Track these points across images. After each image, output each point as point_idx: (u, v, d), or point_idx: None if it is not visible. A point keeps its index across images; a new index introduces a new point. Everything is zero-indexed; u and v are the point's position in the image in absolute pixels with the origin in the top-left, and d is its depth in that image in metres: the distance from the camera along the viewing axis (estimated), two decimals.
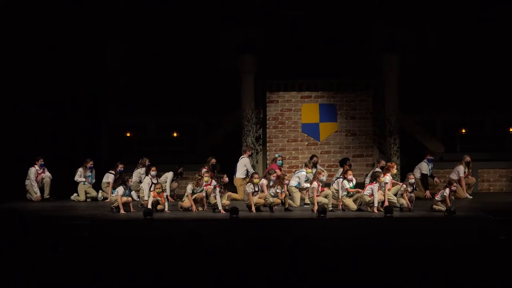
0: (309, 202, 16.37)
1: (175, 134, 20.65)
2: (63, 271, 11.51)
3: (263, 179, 15.94)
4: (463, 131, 20.48)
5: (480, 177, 19.59)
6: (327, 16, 20.31)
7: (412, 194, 15.70)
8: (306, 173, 16.59)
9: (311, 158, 17.90)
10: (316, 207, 15.48)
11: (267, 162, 19.07)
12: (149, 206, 15.71)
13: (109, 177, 17.91)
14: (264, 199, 15.75)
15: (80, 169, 18.16)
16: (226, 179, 16.21)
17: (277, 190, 15.74)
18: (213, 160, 17.48)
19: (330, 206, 15.80)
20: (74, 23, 19.56)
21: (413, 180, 15.77)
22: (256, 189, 15.80)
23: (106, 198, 17.69)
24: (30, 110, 19.00)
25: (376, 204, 15.46)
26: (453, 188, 15.58)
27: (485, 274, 11.07)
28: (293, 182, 16.52)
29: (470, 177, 18.31)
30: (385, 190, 15.69)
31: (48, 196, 18.15)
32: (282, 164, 17.74)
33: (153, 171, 16.76)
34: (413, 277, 11.02)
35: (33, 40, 19.09)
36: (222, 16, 20.25)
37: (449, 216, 14.74)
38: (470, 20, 20.21)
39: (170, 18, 20.43)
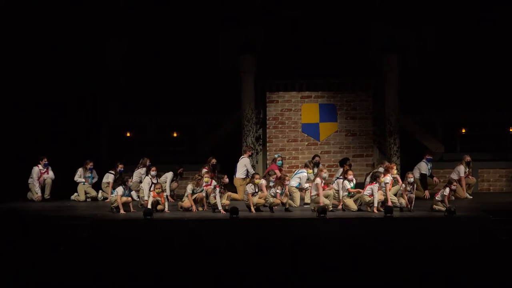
0: (309, 202, 16.39)
1: (175, 134, 20.66)
2: (63, 271, 11.51)
3: (262, 180, 15.94)
4: (463, 131, 20.48)
5: (480, 177, 19.59)
6: (327, 16, 20.33)
7: (412, 195, 15.69)
8: (307, 173, 16.58)
9: (313, 158, 17.92)
10: (322, 201, 15.47)
11: (267, 162, 19.07)
12: (149, 206, 15.72)
13: (109, 177, 17.90)
14: (265, 199, 15.75)
15: (80, 169, 18.17)
16: (227, 180, 16.21)
17: (277, 191, 15.74)
18: (214, 160, 17.47)
19: (331, 206, 15.81)
20: (74, 23, 19.56)
21: (412, 179, 15.77)
22: (256, 189, 15.80)
23: (106, 198, 17.69)
24: (30, 110, 19.00)
25: (376, 204, 15.46)
26: (453, 187, 15.59)
27: (485, 274, 11.06)
28: (294, 183, 16.51)
29: (470, 177, 18.32)
30: (386, 190, 15.68)
31: (48, 197, 18.15)
32: (282, 164, 17.75)
33: (153, 171, 16.77)
34: (413, 277, 11.01)
35: (33, 40, 19.09)
36: (222, 16, 20.26)
37: (449, 216, 14.74)
38: (470, 20, 20.22)
39: (170, 18, 20.45)
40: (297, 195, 16.43)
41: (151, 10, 20.38)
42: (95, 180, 18.33)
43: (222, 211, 15.60)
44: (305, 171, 16.62)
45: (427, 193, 16.96)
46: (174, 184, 17.71)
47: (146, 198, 16.11)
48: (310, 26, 20.40)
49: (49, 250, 13.13)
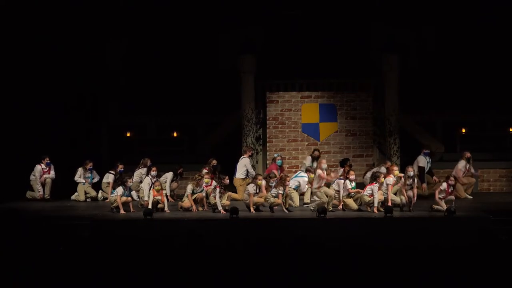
0: (308, 202, 16.39)
1: (175, 134, 20.66)
2: (63, 271, 11.51)
3: (263, 181, 15.94)
4: (463, 131, 20.48)
5: (480, 177, 19.59)
6: (327, 16, 20.33)
7: (412, 191, 15.65)
8: (309, 178, 16.48)
9: (313, 151, 17.97)
10: (323, 191, 15.62)
11: (267, 162, 19.07)
12: (150, 206, 15.72)
13: (109, 177, 17.90)
14: (265, 199, 15.75)
15: (80, 169, 18.17)
16: (227, 181, 16.20)
17: (279, 191, 15.73)
18: (214, 162, 17.45)
19: (331, 206, 15.81)
20: (74, 23, 19.56)
21: (412, 173, 15.75)
22: (258, 190, 15.81)
23: (106, 198, 17.69)
24: (30, 110, 19.00)
25: (376, 204, 15.47)
26: (450, 182, 15.55)
27: (485, 274, 11.06)
28: (292, 184, 16.43)
29: (473, 171, 18.27)
30: (388, 191, 15.66)
31: (48, 197, 18.15)
32: (281, 163, 17.75)
33: (153, 171, 16.77)
34: (413, 277, 11.01)
35: (33, 40, 19.09)
36: (222, 16, 20.26)
37: (449, 216, 14.74)
38: (470, 20, 20.21)
39: (170, 18, 20.44)
40: (295, 194, 16.40)
41: (151, 10, 20.38)
42: (95, 180, 18.33)
43: (222, 211, 15.60)
44: (307, 175, 16.52)
45: (424, 186, 16.87)
46: (174, 184, 17.71)
47: (146, 198, 16.11)
48: (310, 26, 20.40)
49: (49, 250, 13.13)
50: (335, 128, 19.53)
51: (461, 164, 18.09)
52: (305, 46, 20.24)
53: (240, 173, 17.89)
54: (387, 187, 15.69)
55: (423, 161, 18.03)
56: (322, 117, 19.57)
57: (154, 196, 15.92)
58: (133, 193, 16.89)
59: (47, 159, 18.11)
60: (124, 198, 15.92)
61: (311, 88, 19.66)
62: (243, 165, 17.94)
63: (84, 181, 18.16)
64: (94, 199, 18.18)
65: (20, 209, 16.51)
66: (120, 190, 15.91)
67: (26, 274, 11.31)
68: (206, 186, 16.12)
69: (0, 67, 18.59)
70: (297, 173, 17.08)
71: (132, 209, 16.06)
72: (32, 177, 18.13)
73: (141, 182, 17.12)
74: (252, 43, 19.86)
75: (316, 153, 17.95)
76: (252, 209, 15.69)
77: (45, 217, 15.49)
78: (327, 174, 16.36)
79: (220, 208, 15.65)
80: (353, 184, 16.00)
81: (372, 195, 15.54)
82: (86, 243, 13.97)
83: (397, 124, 19.32)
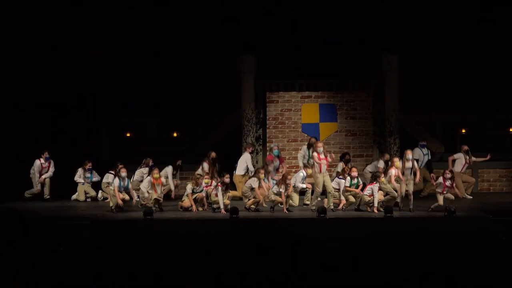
0: (308, 203, 16.39)
1: (175, 134, 20.66)
2: (63, 271, 11.51)
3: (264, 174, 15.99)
4: (463, 131, 20.49)
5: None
6: (327, 16, 20.32)
7: (410, 190, 15.64)
8: (306, 173, 16.49)
9: (309, 140, 17.94)
10: (317, 185, 15.57)
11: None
12: (151, 203, 15.74)
13: (109, 177, 17.87)
14: (266, 197, 15.75)
15: (80, 170, 18.18)
16: (227, 179, 16.17)
17: (281, 190, 15.71)
18: (213, 154, 17.51)
19: (331, 205, 15.80)
20: (74, 23, 19.56)
21: (410, 156, 15.74)
22: (258, 185, 15.78)
23: (106, 198, 17.69)
24: (30, 110, 19.00)
25: (376, 204, 15.47)
26: (446, 175, 15.56)
27: (485, 274, 11.06)
28: (293, 183, 16.43)
29: (475, 160, 18.28)
30: (390, 179, 15.63)
31: (48, 197, 18.16)
32: (278, 153, 17.65)
33: (155, 173, 16.76)
34: (413, 277, 11.01)
35: (33, 40, 19.09)
36: (222, 16, 20.26)
37: (449, 216, 14.74)
38: (470, 21, 20.21)
39: (170, 18, 20.44)
40: (295, 194, 16.36)
41: (151, 10, 20.38)
42: (95, 179, 18.32)
43: (223, 210, 15.59)
44: (303, 171, 16.49)
45: (417, 179, 16.69)
46: (174, 182, 17.69)
47: (146, 194, 16.10)
48: (310, 26, 20.40)
49: (49, 250, 13.13)
50: (335, 128, 19.53)
51: (461, 157, 18.07)
52: (305, 46, 20.24)
53: (240, 169, 17.87)
54: (389, 178, 15.65)
55: (417, 153, 17.98)
56: (322, 117, 19.57)
57: (154, 183, 15.87)
58: (134, 193, 16.90)
59: (47, 153, 18.10)
60: (121, 195, 15.90)
61: (311, 88, 19.66)
62: (244, 161, 17.91)
63: (83, 181, 18.16)
64: (94, 199, 18.19)
65: (20, 209, 16.51)
66: (116, 181, 15.93)
67: (26, 274, 11.31)
68: (206, 187, 16.12)
69: (0, 67, 18.58)
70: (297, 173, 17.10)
71: (134, 198, 15.99)
72: (31, 171, 18.14)
73: (141, 181, 17.11)
74: (252, 43, 19.87)
75: (312, 139, 17.88)
76: (251, 205, 15.67)
77: (45, 217, 15.49)
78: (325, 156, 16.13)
79: (221, 205, 15.63)
80: (355, 180, 15.95)
81: (372, 195, 15.55)
82: (86, 243, 13.97)
83: (397, 124, 19.33)
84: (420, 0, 20.29)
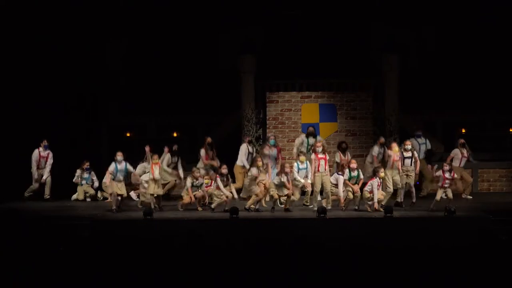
0: (308, 203, 16.37)
1: (175, 134, 20.65)
2: (63, 271, 11.51)
3: (252, 168, 15.99)
4: (463, 131, 20.48)
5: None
6: (327, 16, 20.33)
7: (411, 182, 15.62)
8: (300, 161, 16.24)
9: (307, 129, 17.95)
10: (315, 185, 15.61)
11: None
12: (149, 198, 15.79)
13: (108, 177, 17.89)
14: (268, 191, 15.74)
15: (78, 171, 18.19)
16: (225, 171, 16.07)
17: (282, 179, 15.66)
18: (209, 139, 17.62)
19: (329, 205, 15.79)
20: (74, 23, 19.56)
21: (409, 146, 15.72)
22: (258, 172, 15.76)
23: (106, 198, 17.69)
24: (30, 110, 19.00)
25: (375, 200, 15.45)
26: (445, 167, 15.59)
27: (485, 274, 11.07)
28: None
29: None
30: (391, 163, 15.72)
31: (48, 197, 18.15)
32: (275, 143, 17.59)
33: (155, 159, 16.81)
34: (413, 277, 11.02)
35: (33, 40, 19.09)
36: (222, 16, 20.26)
37: (449, 216, 14.74)
38: (470, 20, 20.22)
39: (170, 18, 20.45)
40: (296, 188, 16.32)
41: (151, 10, 20.38)
42: (94, 179, 18.28)
43: (225, 197, 15.56)
44: (298, 161, 16.34)
45: (417, 168, 16.58)
46: (175, 173, 17.65)
47: (145, 185, 16.16)
48: (310, 26, 20.40)
49: (49, 250, 13.13)
50: (335, 128, 19.52)
51: (457, 152, 18.08)
52: (305, 46, 20.24)
53: (240, 160, 17.87)
54: (391, 164, 15.76)
55: (414, 144, 17.93)
56: (322, 117, 19.57)
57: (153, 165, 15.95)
58: (132, 193, 16.91)
59: (45, 141, 18.06)
60: (118, 189, 15.85)
61: (311, 88, 19.65)
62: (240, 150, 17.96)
63: (81, 181, 18.16)
64: (94, 198, 18.18)
65: (20, 209, 16.51)
66: (112, 166, 16.00)
67: (26, 274, 11.31)
68: (207, 187, 16.12)
69: (0, 67, 18.58)
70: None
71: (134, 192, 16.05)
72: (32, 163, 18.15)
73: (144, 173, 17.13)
74: (252, 43, 19.87)
75: (311, 128, 17.85)
76: (251, 204, 15.66)
77: (45, 217, 15.49)
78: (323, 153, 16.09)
79: (225, 192, 15.60)
80: (355, 173, 15.89)
81: (372, 191, 15.53)
82: (86, 243, 13.97)
83: (397, 124, 19.32)
84: (420, 0, 20.29)
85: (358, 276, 11.02)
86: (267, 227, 14.74)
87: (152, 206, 15.86)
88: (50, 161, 18.14)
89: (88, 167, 18.19)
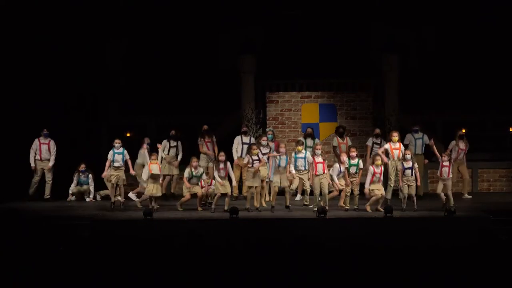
0: (308, 203, 16.38)
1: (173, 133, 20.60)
2: (63, 271, 11.51)
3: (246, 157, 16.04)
4: (463, 131, 20.47)
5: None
6: (327, 16, 20.33)
7: (412, 192, 15.64)
8: (297, 151, 16.21)
9: (306, 130, 17.93)
10: (314, 187, 15.66)
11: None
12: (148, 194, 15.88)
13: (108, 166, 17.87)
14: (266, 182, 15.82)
15: (75, 176, 18.19)
16: (222, 158, 15.96)
17: (280, 163, 15.72)
18: (205, 126, 17.82)
19: (327, 204, 15.79)
20: (74, 23, 19.56)
21: (409, 156, 15.74)
22: (255, 158, 15.71)
23: (106, 198, 17.73)
24: (30, 110, 19.00)
25: (367, 186, 15.58)
26: (443, 158, 15.64)
27: (485, 274, 11.07)
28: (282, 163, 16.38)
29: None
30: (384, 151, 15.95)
31: (49, 196, 18.16)
32: (272, 138, 17.59)
33: (153, 158, 16.84)
34: (413, 277, 11.02)
35: (33, 40, 19.09)
36: (222, 16, 20.27)
37: (449, 216, 14.74)
38: (470, 20, 20.22)
39: (170, 18, 20.45)
40: (296, 181, 16.31)
41: (151, 10, 20.39)
42: (90, 181, 18.26)
43: (220, 182, 15.61)
44: (294, 151, 16.42)
45: (418, 181, 16.58)
46: (175, 163, 17.64)
47: (145, 185, 16.24)
48: (310, 26, 20.41)
49: (49, 250, 13.13)
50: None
51: (452, 143, 18.11)
52: (305, 46, 20.24)
53: (233, 151, 17.90)
54: (383, 149, 16.17)
55: (408, 139, 17.95)
56: (322, 117, 19.58)
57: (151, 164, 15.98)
58: (131, 194, 16.94)
59: (45, 130, 18.06)
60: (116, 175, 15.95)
61: (311, 88, 19.67)
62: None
63: (78, 186, 18.22)
64: (82, 194, 18.17)
65: (20, 209, 16.51)
66: (110, 153, 16.16)
67: (26, 274, 11.31)
68: (206, 186, 16.12)
69: (0, 67, 18.58)
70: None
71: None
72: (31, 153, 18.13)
73: (143, 166, 17.11)
74: (252, 43, 19.88)
75: (309, 129, 17.87)
76: (251, 201, 15.66)
77: (45, 217, 15.49)
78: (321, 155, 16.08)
79: (219, 179, 15.62)
80: (355, 161, 15.84)
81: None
82: (86, 243, 13.97)
83: (397, 124, 19.32)
84: (420, 0, 20.29)
85: (358, 276, 11.02)
86: (267, 227, 14.74)
87: (150, 207, 15.85)
88: (54, 148, 18.09)
89: (84, 169, 18.16)
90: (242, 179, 17.75)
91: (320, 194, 16.00)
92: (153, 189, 16.01)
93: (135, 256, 12.56)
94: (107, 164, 16.31)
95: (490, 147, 20.18)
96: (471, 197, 18.07)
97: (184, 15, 20.43)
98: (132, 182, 18.60)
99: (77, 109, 20.12)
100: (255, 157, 15.74)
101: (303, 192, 16.79)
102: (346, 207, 15.78)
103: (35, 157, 18.04)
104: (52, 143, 18.13)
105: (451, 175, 15.89)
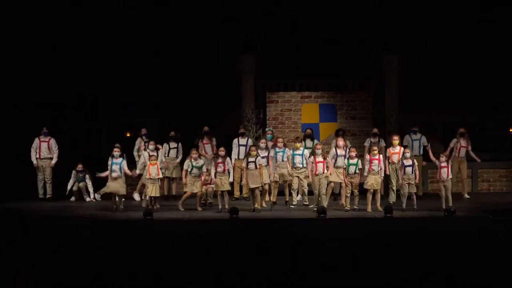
0: (308, 203, 16.38)
1: (173, 133, 20.60)
2: (63, 271, 11.52)
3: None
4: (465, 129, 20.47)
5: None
6: (327, 16, 20.33)
7: (412, 191, 15.65)
8: (295, 148, 16.25)
9: (305, 131, 17.94)
10: (314, 187, 15.62)
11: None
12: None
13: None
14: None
15: (73, 174, 18.19)
16: (222, 153, 15.97)
17: (277, 152, 15.73)
18: (206, 128, 17.78)
19: (325, 204, 15.78)
20: (74, 23, 19.56)
21: (408, 154, 15.73)
22: (251, 160, 15.70)
23: (105, 198, 17.73)
24: (30, 110, 19.00)
25: (365, 173, 15.68)
26: (441, 158, 15.64)
27: (485, 274, 11.07)
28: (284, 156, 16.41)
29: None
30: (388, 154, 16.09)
31: (50, 196, 18.16)
32: (271, 138, 17.61)
33: (151, 145, 16.82)
34: (413, 277, 11.03)
35: (33, 40, 19.09)
36: (222, 16, 20.26)
37: (449, 216, 14.74)
38: (470, 20, 20.22)
39: (170, 18, 20.45)
40: (295, 180, 16.32)
41: (151, 10, 20.38)
42: (87, 181, 18.24)
43: (212, 179, 15.66)
44: (292, 149, 16.45)
45: (417, 179, 16.59)
46: (175, 163, 17.67)
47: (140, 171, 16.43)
48: (310, 26, 20.41)
49: (49, 250, 13.14)
50: (335, 128, 19.48)
51: (453, 141, 18.11)
52: (305, 46, 20.24)
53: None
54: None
55: (406, 140, 17.92)
56: (322, 117, 19.57)
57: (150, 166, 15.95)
58: (135, 195, 16.92)
59: (45, 128, 18.06)
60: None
61: (311, 88, 19.65)
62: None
63: (75, 185, 18.23)
64: (80, 191, 18.17)
65: (20, 209, 16.52)
66: (110, 160, 16.08)
67: (26, 274, 11.32)
68: (206, 185, 16.09)
69: (0, 67, 18.58)
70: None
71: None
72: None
73: (139, 155, 17.24)
74: (252, 43, 19.87)
75: (308, 130, 17.88)
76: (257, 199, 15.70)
77: (45, 217, 15.49)
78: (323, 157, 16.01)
79: (212, 176, 15.69)
80: (354, 161, 15.82)
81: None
82: (86, 243, 13.98)
83: (397, 124, 19.31)
84: (420, 0, 20.29)
85: (358, 276, 11.02)
86: (267, 227, 14.73)
87: (149, 207, 15.84)
88: (55, 146, 18.08)
89: (81, 169, 18.13)
90: (242, 180, 17.73)
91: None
92: (152, 190, 16.00)
93: (135, 256, 12.57)
94: (108, 173, 16.17)
95: (490, 147, 20.16)
96: (468, 196, 18.07)
97: (184, 15, 20.42)
98: (132, 182, 18.60)
99: (77, 109, 20.12)
100: (252, 159, 15.73)
101: (302, 193, 16.77)
102: (346, 207, 15.77)
103: (36, 155, 18.05)
104: (52, 141, 18.12)
105: (450, 176, 15.86)
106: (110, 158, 16.15)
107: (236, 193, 17.86)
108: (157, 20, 20.41)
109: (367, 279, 10.92)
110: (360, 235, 14.28)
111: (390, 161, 16.48)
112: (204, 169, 16.02)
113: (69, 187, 18.22)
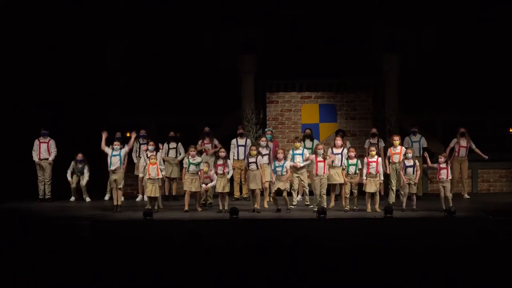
0: (308, 203, 16.38)
1: (172, 134, 20.59)
2: (63, 271, 11.52)
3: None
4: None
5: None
6: (327, 16, 20.34)
7: (412, 191, 15.65)
8: (294, 147, 16.29)
9: (305, 131, 17.94)
10: (316, 191, 15.64)
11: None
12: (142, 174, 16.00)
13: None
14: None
15: (72, 164, 18.15)
16: (222, 154, 16.02)
17: (284, 165, 15.61)
18: (206, 128, 17.81)
19: (324, 204, 15.78)
20: (74, 23, 19.57)
21: (410, 154, 15.72)
22: (252, 160, 15.70)
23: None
24: (30, 110, 19.00)
25: (363, 176, 15.59)
26: (441, 159, 15.65)
27: (485, 274, 11.07)
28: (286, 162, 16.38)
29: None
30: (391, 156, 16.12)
31: (49, 196, 18.16)
32: (271, 138, 17.60)
33: (150, 145, 16.81)
34: (413, 277, 11.03)
35: (33, 40, 19.09)
36: (222, 16, 20.27)
37: (449, 216, 14.74)
38: (470, 20, 20.23)
39: (170, 18, 20.45)
40: (296, 180, 16.32)
41: (151, 10, 20.39)
42: (85, 171, 18.19)
43: (211, 175, 15.68)
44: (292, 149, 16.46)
45: (417, 178, 16.63)
46: (175, 161, 17.67)
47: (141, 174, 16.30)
48: (310, 26, 20.42)
49: (49, 250, 13.14)
50: (335, 128, 19.48)
51: (453, 141, 18.10)
52: (305, 46, 20.25)
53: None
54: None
55: (406, 141, 17.90)
56: (322, 117, 19.57)
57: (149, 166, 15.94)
58: (139, 197, 16.92)
59: (43, 129, 18.04)
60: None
61: (311, 88, 19.65)
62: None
63: (72, 178, 18.21)
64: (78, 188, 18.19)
65: (20, 209, 16.52)
66: (109, 150, 16.12)
67: (26, 274, 11.32)
68: (206, 185, 16.10)
69: (1, 67, 18.59)
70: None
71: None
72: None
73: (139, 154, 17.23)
74: (252, 43, 19.88)
75: (308, 130, 17.89)
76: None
77: (45, 217, 15.49)
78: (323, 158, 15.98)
79: (212, 173, 15.69)
80: (354, 161, 15.83)
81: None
82: (86, 243, 13.98)
83: (397, 124, 19.31)
84: (420, 0, 20.30)
85: (358, 276, 11.02)
86: (267, 227, 14.73)
87: (149, 207, 15.84)
88: (53, 147, 18.10)
89: (81, 159, 18.09)
90: (242, 181, 17.75)
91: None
92: (152, 190, 15.98)
93: (135, 256, 12.57)
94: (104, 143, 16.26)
95: (490, 147, 20.15)
96: (468, 196, 18.07)
97: (184, 15, 20.43)
98: (132, 183, 18.63)
99: (77, 109, 20.11)
100: (252, 159, 15.73)
101: (303, 193, 16.78)
102: (346, 208, 15.77)
103: (36, 156, 18.07)
104: (51, 142, 18.13)
105: (450, 177, 15.85)
106: (111, 149, 16.18)
107: (236, 193, 17.89)
108: (157, 20, 20.42)
109: (367, 279, 10.92)
110: (360, 235, 14.28)
111: (390, 161, 16.49)
112: (201, 166, 16.01)
113: (69, 178, 18.16)
